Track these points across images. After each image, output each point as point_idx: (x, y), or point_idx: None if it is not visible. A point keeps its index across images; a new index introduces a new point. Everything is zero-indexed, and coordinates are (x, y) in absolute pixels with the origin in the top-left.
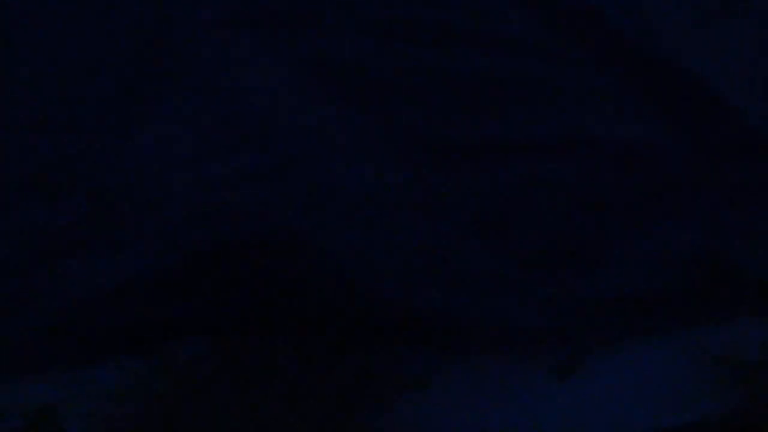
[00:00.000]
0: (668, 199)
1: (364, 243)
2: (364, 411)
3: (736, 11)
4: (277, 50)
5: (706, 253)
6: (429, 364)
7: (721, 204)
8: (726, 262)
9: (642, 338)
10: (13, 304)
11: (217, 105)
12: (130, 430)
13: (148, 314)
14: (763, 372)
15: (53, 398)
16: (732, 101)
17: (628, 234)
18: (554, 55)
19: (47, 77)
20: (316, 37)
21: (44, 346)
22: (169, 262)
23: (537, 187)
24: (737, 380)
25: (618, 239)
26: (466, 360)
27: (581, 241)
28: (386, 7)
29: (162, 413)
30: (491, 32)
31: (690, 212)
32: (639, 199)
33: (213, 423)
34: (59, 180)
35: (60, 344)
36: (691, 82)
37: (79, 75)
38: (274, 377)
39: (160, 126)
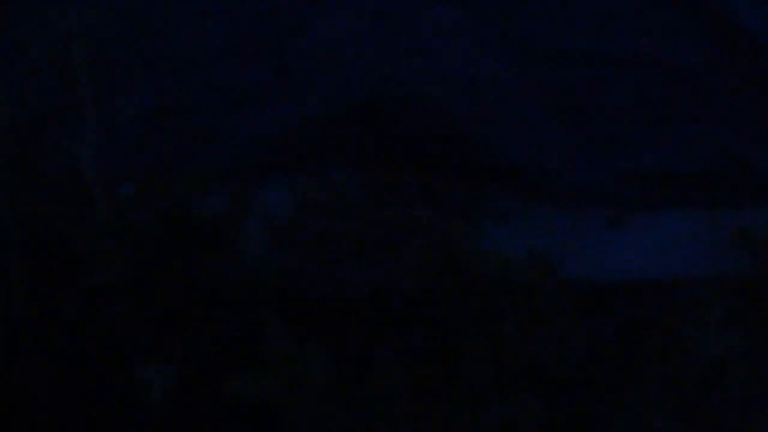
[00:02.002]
0: (703, 109)
1: (476, 113)
2: (458, 229)
3: None
4: None
5: (727, 151)
6: (513, 205)
7: (746, 116)
8: (743, 159)
9: (674, 208)
10: (206, 137)
11: (370, 3)
12: (286, 225)
13: (317, 146)
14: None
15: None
16: (762, 39)
17: (671, 129)
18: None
19: None
20: None
21: (231, 167)
22: (334, 110)
23: (606, 88)
24: (748, 250)
25: (662, 132)
26: (540, 206)
27: (635, 130)
28: None
29: (314, 219)
30: None
31: (719, 120)
32: (683, 107)
33: (353, 228)
34: (250, 47)
35: (242, 166)
36: (731, 22)
37: None
38: (401, 200)
39: (327, 16)
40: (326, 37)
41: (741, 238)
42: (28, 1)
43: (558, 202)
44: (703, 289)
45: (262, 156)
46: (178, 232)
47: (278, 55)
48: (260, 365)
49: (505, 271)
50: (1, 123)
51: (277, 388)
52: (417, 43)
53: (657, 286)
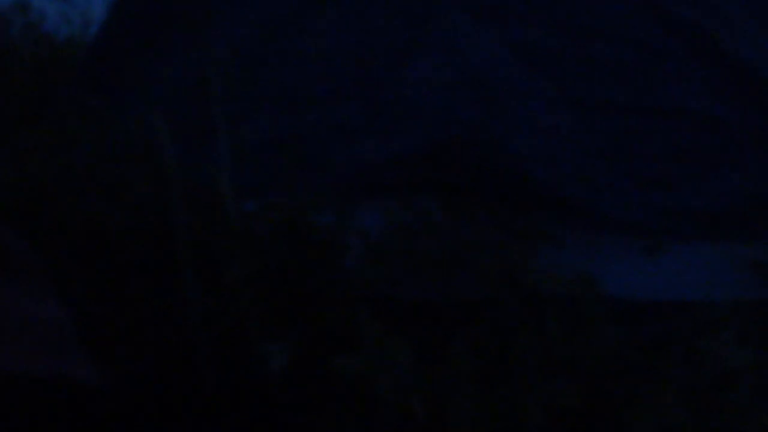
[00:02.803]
0: (731, 156)
1: (534, 153)
2: (519, 250)
3: None
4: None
5: (751, 193)
6: (564, 231)
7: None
8: (765, 200)
9: (702, 240)
10: (313, 164)
11: (452, 61)
12: (378, 242)
13: (404, 176)
14: None
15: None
16: None
17: (702, 171)
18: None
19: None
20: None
21: (333, 191)
22: (420, 147)
23: (645, 135)
24: (763, 279)
25: (694, 173)
26: (587, 233)
27: (670, 171)
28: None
29: (402, 237)
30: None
31: (745, 166)
32: (712, 152)
33: (432, 245)
34: (350, 89)
35: (343, 190)
36: (762, 79)
37: (365, 29)
38: (472, 224)
39: (415, 69)
40: (414, 84)
41: (758, 268)
42: (167, 40)
43: (602, 230)
44: (723, 311)
45: (359, 182)
46: (294, 242)
47: (373, 97)
48: (356, 349)
49: (554, 286)
50: (167, 145)
51: (369, 368)
52: (486, 93)
53: (683, 306)
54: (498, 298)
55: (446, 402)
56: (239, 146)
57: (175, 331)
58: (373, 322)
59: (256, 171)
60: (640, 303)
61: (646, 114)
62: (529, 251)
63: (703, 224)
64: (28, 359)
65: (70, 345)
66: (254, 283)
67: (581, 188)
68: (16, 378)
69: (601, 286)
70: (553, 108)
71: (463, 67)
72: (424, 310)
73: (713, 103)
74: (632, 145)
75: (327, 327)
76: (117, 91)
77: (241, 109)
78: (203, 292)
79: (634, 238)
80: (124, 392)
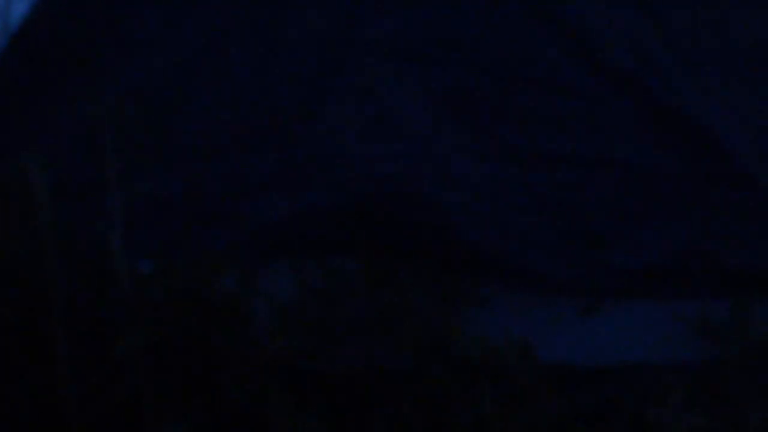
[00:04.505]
0: (671, 208)
1: (461, 208)
2: (446, 314)
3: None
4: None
5: (692, 247)
6: (494, 293)
7: (710, 215)
8: (707, 254)
9: (642, 298)
10: (215, 221)
11: (369, 109)
12: (287, 305)
13: (318, 234)
14: (730, 333)
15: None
16: (727, 145)
17: (640, 226)
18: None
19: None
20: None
21: (239, 250)
22: (334, 202)
23: (581, 188)
24: (712, 337)
25: (632, 228)
26: (518, 294)
27: (607, 226)
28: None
29: (316, 302)
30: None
31: (685, 218)
32: (652, 206)
33: (350, 310)
34: (258, 139)
35: (249, 250)
36: (699, 129)
37: (276, 74)
38: (394, 286)
39: (330, 118)
40: (328, 135)
41: (703, 327)
42: (63, 84)
43: (534, 290)
44: (667, 374)
45: (267, 241)
46: (194, 310)
47: (283, 147)
48: (265, 431)
49: (486, 355)
50: (42, 198)
51: None
52: (407, 144)
53: (625, 370)
54: (424, 369)
55: None
56: (135, 200)
57: (50, 415)
58: (284, 399)
59: (153, 228)
60: (579, 369)
61: (577, 164)
62: (457, 316)
63: (642, 281)
64: None
65: None
66: (148, 356)
67: (511, 245)
68: None
69: (535, 353)
70: (479, 159)
71: (382, 115)
72: (342, 382)
73: (647, 152)
74: (563, 198)
75: (232, 406)
76: (1, 135)
77: (138, 160)
78: (87, 366)
79: (569, 299)
80: None
